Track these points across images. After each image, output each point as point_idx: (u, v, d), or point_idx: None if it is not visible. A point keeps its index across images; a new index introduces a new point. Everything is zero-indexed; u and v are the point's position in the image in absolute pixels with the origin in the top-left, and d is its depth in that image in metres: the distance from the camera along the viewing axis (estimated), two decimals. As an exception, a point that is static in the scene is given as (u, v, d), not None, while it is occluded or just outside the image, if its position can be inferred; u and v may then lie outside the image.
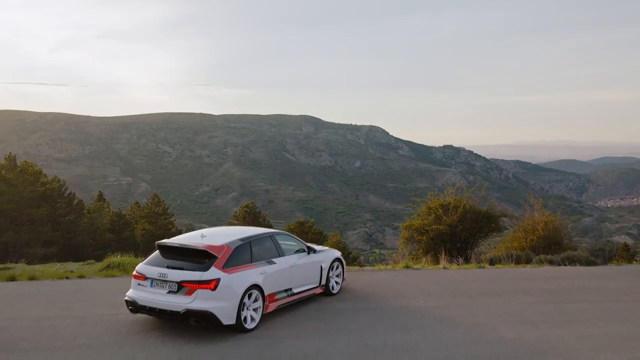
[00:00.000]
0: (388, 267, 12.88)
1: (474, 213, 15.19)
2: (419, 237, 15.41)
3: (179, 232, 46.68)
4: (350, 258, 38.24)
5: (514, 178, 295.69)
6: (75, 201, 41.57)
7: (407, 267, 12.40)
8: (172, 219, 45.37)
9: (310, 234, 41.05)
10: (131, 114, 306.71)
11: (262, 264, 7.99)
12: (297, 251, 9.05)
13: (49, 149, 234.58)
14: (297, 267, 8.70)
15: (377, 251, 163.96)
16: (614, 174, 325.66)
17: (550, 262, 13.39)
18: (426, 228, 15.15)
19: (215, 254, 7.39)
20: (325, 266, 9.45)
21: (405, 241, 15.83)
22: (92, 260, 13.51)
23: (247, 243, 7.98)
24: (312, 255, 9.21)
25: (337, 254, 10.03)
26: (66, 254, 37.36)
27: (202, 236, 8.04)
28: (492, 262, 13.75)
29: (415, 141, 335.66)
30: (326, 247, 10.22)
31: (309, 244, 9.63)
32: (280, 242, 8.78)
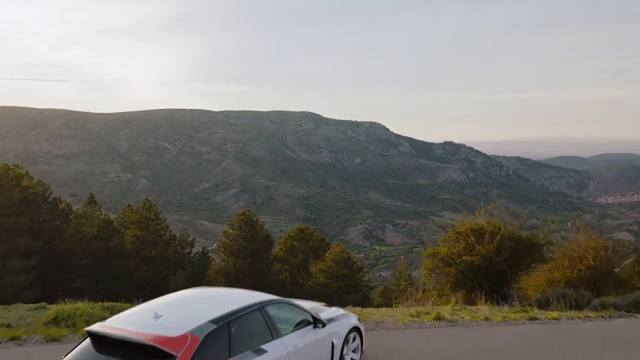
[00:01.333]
0: (413, 314, 10.15)
1: (513, 240, 12.44)
2: (445, 269, 12.67)
3: (173, 238, 43.79)
4: (354, 268, 35.52)
5: (515, 175, 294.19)
6: (62, 206, 38.80)
7: (438, 317, 9.68)
8: (165, 224, 42.59)
9: (311, 241, 38.47)
10: (131, 111, 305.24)
11: (246, 357, 5.24)
12: (299, 324, 6.25)
13: (48, 146, 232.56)
14: (298, 351, 5.89)
15: (378, 248, 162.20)
16: (614, 170, 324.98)
17: (615, 307, 10.64)
18: (455, 259, 12.40)
19: (171, 352, 4.60)
20: (338, 342, 6.68)
21: (428, 272, 13.11)
22: (43, 303, 10.89)
23: (223, 326, 5.14)
24: (319, 329, 6.43)
25: (354, 320, 7.25)
26: (51, 263, 34.82)
27: (156, 316, 5.12)
28: (540, 304, 11.02)
29: (415, 138, 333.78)
30: (340, 311, 7.37)
31: (314, 310, 6.85)
32: (273, 315, 5.91)
